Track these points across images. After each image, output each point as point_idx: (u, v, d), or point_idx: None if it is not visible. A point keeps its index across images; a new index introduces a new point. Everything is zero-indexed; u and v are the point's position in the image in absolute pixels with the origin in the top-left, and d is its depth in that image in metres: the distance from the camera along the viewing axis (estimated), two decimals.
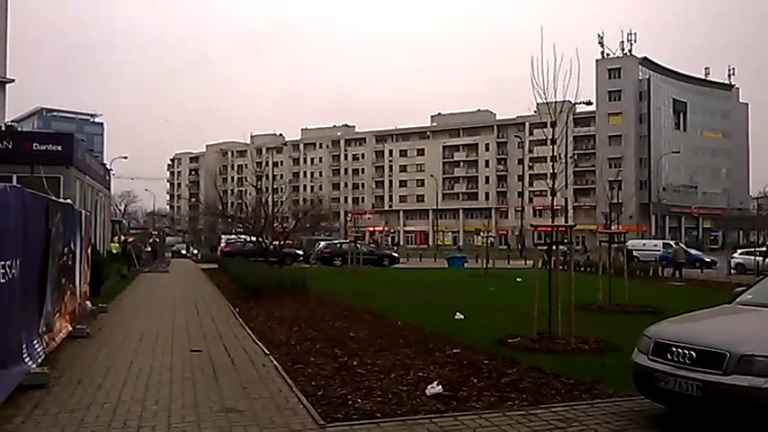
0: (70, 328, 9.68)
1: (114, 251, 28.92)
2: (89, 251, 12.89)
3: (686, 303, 10.15)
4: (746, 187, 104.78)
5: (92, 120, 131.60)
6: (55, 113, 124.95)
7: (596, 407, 5.97)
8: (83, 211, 12.41)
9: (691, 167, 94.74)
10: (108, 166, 38.70)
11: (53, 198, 9.39)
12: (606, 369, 7.39)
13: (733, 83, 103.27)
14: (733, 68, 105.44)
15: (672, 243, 35.71)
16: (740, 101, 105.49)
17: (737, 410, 4.75)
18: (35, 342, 7.40)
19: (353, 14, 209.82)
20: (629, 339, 6.91)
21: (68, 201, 11.09)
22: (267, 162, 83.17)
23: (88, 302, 12.32)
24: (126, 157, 70.73)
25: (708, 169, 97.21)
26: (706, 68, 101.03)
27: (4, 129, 21.38)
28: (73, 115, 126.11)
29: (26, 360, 6.81)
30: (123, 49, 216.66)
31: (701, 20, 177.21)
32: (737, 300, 6.43)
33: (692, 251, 42.75)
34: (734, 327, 5.72)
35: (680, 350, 5.18)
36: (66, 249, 9.49)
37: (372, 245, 54.44)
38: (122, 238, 33.21)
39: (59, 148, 19.18)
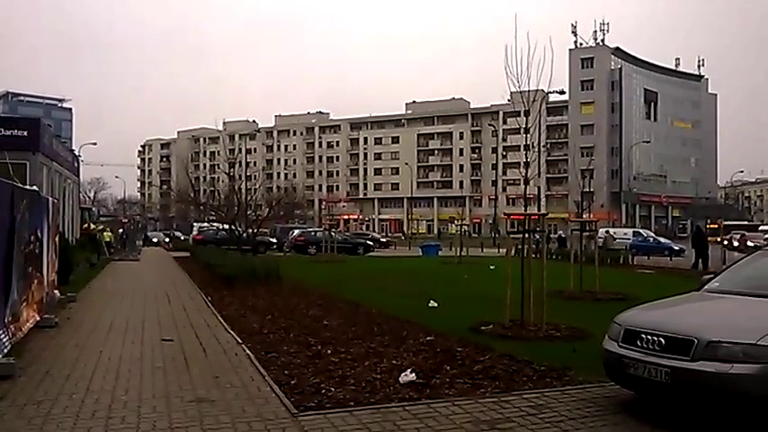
0: (38, 318, 9.49)
1: (108, 239, 29.07)
2: (57, 239, 12.64)
3: (656, 291, 10.31)
4: (714, 177, 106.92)
5: (60, 105, 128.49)
6: (21, 98, 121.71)
7: (567, 393, 6.04)
8: (50, 199, 12.14)
9: (661, 157, 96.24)
10: (76, 153, 37.96)
11: (19, 185, 9.17)
12: (577, 356, 7.48)
13: (702, 73, 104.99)
14: (702, 59, 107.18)
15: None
16: (709, 91, 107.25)
17: (705, 396, 4.84)
18: (0, 332, 7.23)
19: (328, 3, 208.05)
20: (599, 326, 6.99)
21: (35, 187, 10.84)
22: (240, 149, 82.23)
23: (56, 291, 12.09)
24: (95, 144, 69.88)
25: (677, 159, 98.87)
26: (676, 59, 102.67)
27: None
28: (40, 100, 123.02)
29: None
30: (92, 34, 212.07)
31: (671, 10, 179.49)
32: (705, 287, 6.54)
33: (662, 239, 43.58)
34: (701, 314, 5.82)
35: (649, 337, 5.26)
36: (32, 237, 9.27)
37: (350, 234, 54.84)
38: (92, 226, 32.67)
39: (25, 133, 18.69)
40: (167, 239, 57.00)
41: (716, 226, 31.30)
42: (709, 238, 27.17)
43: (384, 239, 54.51)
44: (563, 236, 17.12)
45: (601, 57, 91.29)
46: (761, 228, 53.68)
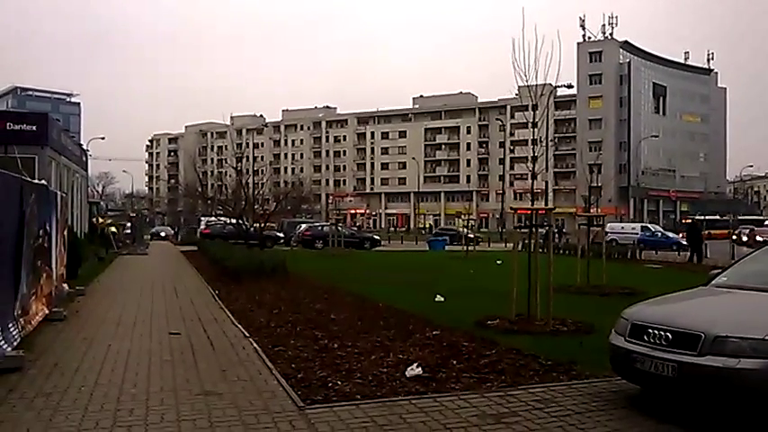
0: (47, 311, 9.56)
1: (114, 230, 29.59)
2: (65, 233, 12.72)
3: (663, 285, 10.27)
4: (723, 171, 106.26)
5: (68, 99, 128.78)
6: (30, 92, 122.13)
7: (574, 388, 6.04)
8: (58, 193, 12.21)
9: (669, 151, 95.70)
10: (85, 147, 38.08)
11: (27, 179, 9.21)
12: (584, 350, 7.46)
13: (712, 67, 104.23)
14: (712, 53, 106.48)
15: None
16: (718, 85, 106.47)
17: (711, 391, 4.82)
18: (10, 325, 7.29)
19: None
20: (606, 321, 6.98)
21: (43, 182, 10.90)
22: (247, 143, 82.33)
23: (65, 285, 12.17)
24: (103, 138, 69.84)
25: (686, 153, 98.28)
26: (686, 53, 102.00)
27: None
28: (48, 95, 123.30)
29: (1, 343, 6.72)
30: (100, 29, 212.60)
31: (681, 3, 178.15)
32: (713, 282, 6.51)
33: (670, 234, 43.43)
34: (709, 308, 5.79)
35: (656, 332, 5.24)
36: (41, 231, 9.34)
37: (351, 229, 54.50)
38: (100, 220, 32.85)
39: (34, 127, 18.73)
40: (173, 232, 57.41)
41: (689, 221, 30.74)
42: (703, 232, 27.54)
43: (472, 235, 47.42)
44: (555, 230, 16.84)
45: (609, 51, 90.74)
46: (766, 222, 53.43)
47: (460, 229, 52.39)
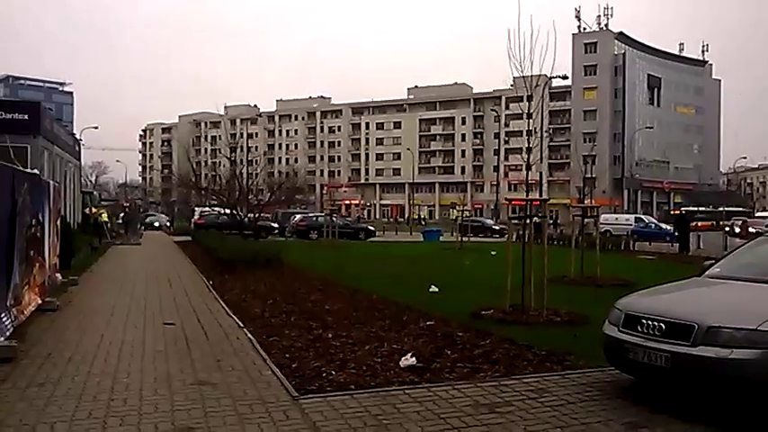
0: (39, 301, 9.53)
1: (105, 219, 29.60)
2: (58, 223, 12.65)
3: (657, 276, 10.30)
4: (717, 163, 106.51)
5: (61, 88, 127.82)
6: (22, 81, 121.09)
7: (567, 378, 6.06)
8: (51, 182, 12.15)
9: (663, 143, 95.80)
10: (78, 136, 37.90)
11: (20, 168, 9.15)
12: (577, 341, 7.49)
13: (706, 59, 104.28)
14: (707, 44, 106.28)
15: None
16: (713, 77, 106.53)
17: (704, 381, 4.85)
18: (3, 315, 7.26)
19: None
20: (600, 312, 6.99)
21: (36, 171, 10.83)
22: (241, 133, 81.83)
23: (58, 275, 12.13)
24: (96, 128, 69.46)
25: (680, 145, 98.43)
26: (680, 44, 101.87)
27: None
28: (41, 83, 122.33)
29: None
30: (95, 18, 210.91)
31: None
32: (706, 273, 6.53)
33: (663, 225, 43.62)
34: (702, 299, 5.82)
35: (650, 322, 5.26)
36: (33, 221, 9.29)
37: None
38: (93, 210, 32.73)
39: (26, 116, 18.62)
40: (168, 223, 57.15)
41: (677, 212, 31.22)
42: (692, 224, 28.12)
43: (497, 227, 46.11)
44: (538, 221, 16.55)
45: (604, 42, 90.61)
46: (758, 214, 53.82)
47: (487, 221, 50.82)
